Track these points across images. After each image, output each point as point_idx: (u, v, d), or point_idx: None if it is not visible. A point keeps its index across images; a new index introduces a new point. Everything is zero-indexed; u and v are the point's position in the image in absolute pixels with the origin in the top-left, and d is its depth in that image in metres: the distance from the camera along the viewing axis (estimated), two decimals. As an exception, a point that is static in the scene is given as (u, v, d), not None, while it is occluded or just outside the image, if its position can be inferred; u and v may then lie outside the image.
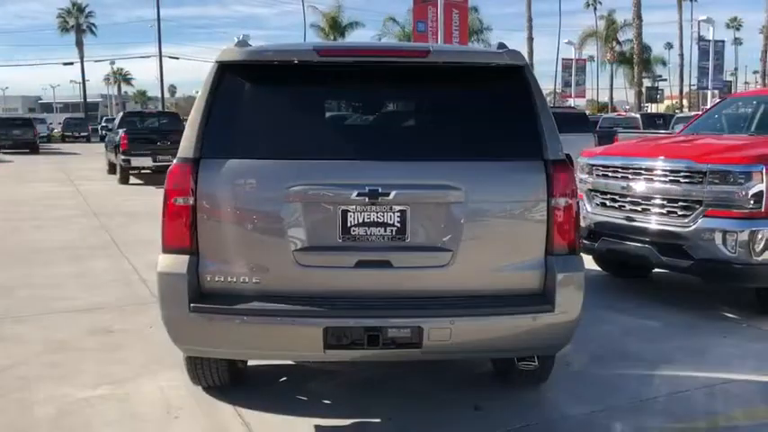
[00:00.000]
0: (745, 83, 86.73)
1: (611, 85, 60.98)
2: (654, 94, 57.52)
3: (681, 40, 55.73)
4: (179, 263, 3.24)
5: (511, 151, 3.30)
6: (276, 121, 3.36)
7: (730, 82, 57.42)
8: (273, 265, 3.24)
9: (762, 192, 5.41)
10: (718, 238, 5.50)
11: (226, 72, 3.33)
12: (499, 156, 3.29)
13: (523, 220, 3.29)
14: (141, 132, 18.19)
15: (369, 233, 3.21)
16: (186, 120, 3.40)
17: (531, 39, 41.16)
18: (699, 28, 60.95)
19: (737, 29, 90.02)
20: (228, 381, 4.06)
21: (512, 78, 3.34)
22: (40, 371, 4.56)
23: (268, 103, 3.39)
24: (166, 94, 48.72)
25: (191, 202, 3.23)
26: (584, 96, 42.78)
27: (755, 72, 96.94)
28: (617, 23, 58.14)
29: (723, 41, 35.19)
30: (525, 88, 3.33)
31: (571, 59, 40.60)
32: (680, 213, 5.72)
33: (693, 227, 5.60)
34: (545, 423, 3.79)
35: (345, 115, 3.38)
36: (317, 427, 3.73)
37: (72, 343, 5.12)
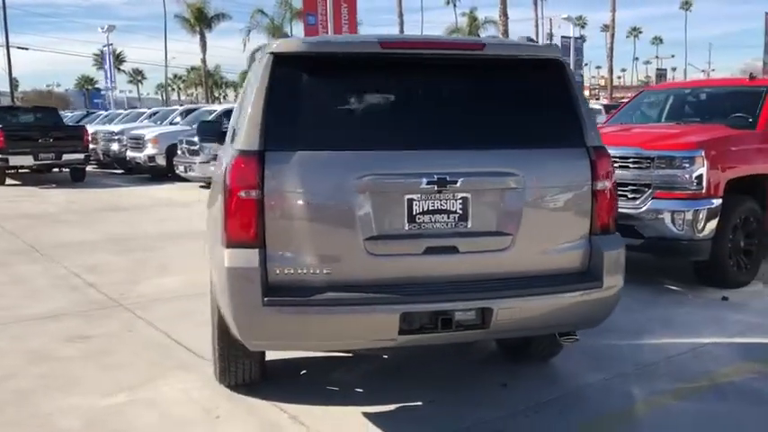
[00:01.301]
0: (591, 77, 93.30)
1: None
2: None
3: (537, 37, 58.79)
4: (250, 257, 3.18)
5: (558, 139, 3.51)
6: (340, 113, 3.38)
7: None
8: (344, 255, 3.26)
9: (702, 174, 5.99)
10: (666, 217, 6.04)
11: (283, 63, 3.30)
12: (548, 143, 3.50)
13: (571, 203, 3.52)
14: (18, 129, 16.89)
15: (433, 220, 3.31)
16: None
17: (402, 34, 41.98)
18: (551, 26, 64.88)
19: (582, 27, 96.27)
20: (258, 377, 4.02)
21: (554, 71, 3.56)
22: (34, 382, 4.28)
23: (330, 94, 3.40)
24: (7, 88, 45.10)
25: (258, 195, 3.19)
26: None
27: (598, 67, 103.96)
28: (479, 21, 60.48)
29: (582, 38, 37.80)
30: (567, 80, 3.56)
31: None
32: (630, 196, 6.21)
33: (644, 208, 6.11)
34: (572, 392, 4.06)
35: (406, 106, 3.43)
36: (365, 414, 3.78)
37: (52, 352, 4.81)
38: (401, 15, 42.18)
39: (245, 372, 3.94)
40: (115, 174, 19.64)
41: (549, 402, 3.93)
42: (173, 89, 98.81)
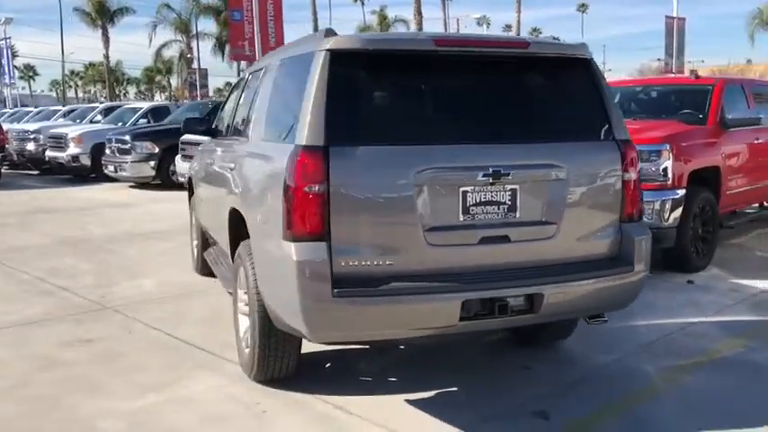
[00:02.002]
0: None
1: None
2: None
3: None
4: (318, 250, 3.23)
5: (591, 132, 3.74)
6: (397, 108, 3.47)
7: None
8: (405, 247, 3.36)
9: (668, 167, 6.43)
10: (636, 207, 6.43)
11: (340, 60, 3.36)
12: (583, 136, 3.72)
13: (605, 193, 3.75)
14: None
15: (485, 211, 3.47)
16: None
17: (316, 32, 41.89)
18: (458, 26, 66.24)
19: (487, 26, 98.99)
20: (293, 371, 4.05)
21: (586, 68, 3.78)
22: (53, 388, 4.14)
23: (387, 90, 3.48)
24: None
25: (324, 189, 3.23)
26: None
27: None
28: (389, 19, 61.08)
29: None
30: (596, 77, 3.79)
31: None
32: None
33: (615, 199, 6.48)
34: (593, 372, 4.32)
35: (458, 101, 3.55)
36: (408, 401, 3.89)
37: (57, 358, 4.65)
38: (315, 13, 42.07)
39: (283, 366, 3.97)
40: (31, 175, 18.72)
41: (577, 382, 4.16)
42: (70, 86, 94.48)
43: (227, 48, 56.68)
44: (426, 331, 3.49)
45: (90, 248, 8.38)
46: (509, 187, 3.48)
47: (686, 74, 29.31)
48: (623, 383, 4.16)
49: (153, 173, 14.62)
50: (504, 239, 3.50)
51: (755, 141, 7.80)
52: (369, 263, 3.31)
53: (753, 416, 3.67)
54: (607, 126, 3.76)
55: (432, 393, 3.99)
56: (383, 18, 60.85)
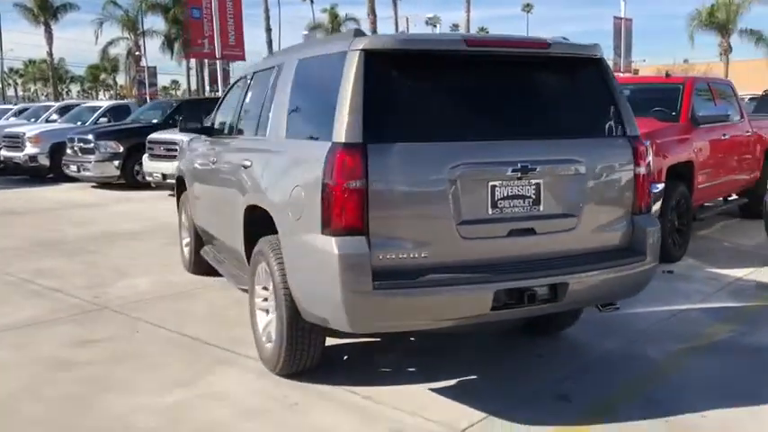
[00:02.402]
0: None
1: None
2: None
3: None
4: (359, 244, 3.33)
5: (605, 129, 3.94)
6: (429, 106, 3.59)
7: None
8: (439, 240, 3.49)
9: (650, 162, 6.70)
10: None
11: (374, 59, 3.46)
12: (599, 133, 3.92)
13: (619, 187, 3.95)
14: None
15: (512, 205, 3.63)
16: None
17: (269, 30, 41.62)
18: (408, 25, 66.57)
19: (434, 26, 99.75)
20: (317, 363, 4.14)
21: (599, 68, 3.98)
22: (76, 388, 4.13)
23: (420, 89, 3.60)
24: None
25: (363, 184, 3.34)
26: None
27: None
28: (340, 17, 61.01)
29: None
30: (608, 75, 3.99)
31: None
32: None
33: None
34: (601, 357, 4.53)
35: (487, 99, 3.70)
36: (431, 389, 4.02)
37: (70, 358, 4.62)
38: (267, 11, 41.72)
39: (309, 358, 4.05)
40: (-19, 175, 18.14)
41: (589, 367, 4.38)
42: (8, 84, 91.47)
43: (177, 45, 55.91)
44: (459, 321, 3.62)
45: (70, 249, 8.25)
46: (534, 181, 3.65)
47: (632, 73, 30.04)
48: (632, 367, 4.38)
49: (117, 172, 14.38)
50: (531, 232, 3.66)
51: (723, 137, 8.19)
52: (405, 256, 3.43)
53: (757, 394, 3.91)
54: (619, 122, 3.97)
55: (453, 382, 4.13)
56: (334, 17, 60.75)
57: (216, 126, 5.90)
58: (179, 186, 7.12)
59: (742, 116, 9.00)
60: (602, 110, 3.95)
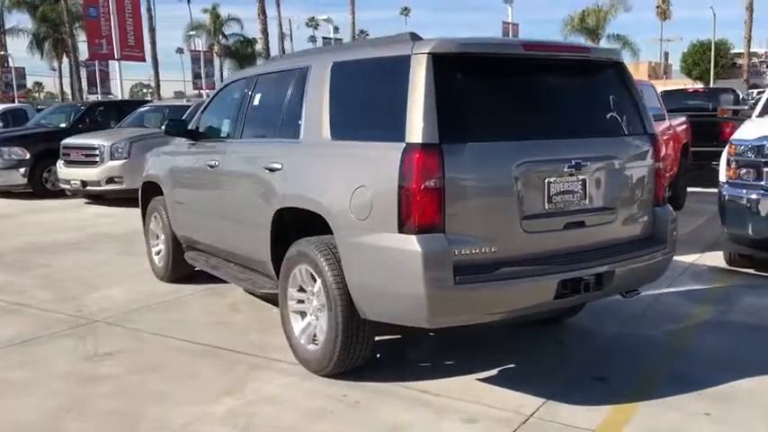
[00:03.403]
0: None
1: (222, 78, 62.51)
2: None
3: (281, 35, 59.78)
4: (439, 240, 3.45)
5: (631, 128, 4.26)
6: (493, 107, 3.76)
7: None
8: (507, 234, 3.67)
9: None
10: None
11: (441, 62, 3.59)
12: (627, 132, 4.23)
13: (643, 181, 4.27)
14: None
15: (564, 200, 3.86)
16: None
17: (152, 29, 40.23)
18: (291, 25, 66.06)
19: (316, 27, 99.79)
20: (366, 360, 4.20)
21: (623, 71, 4.29)
22: (119, 402, 3.99)
23: (483, 90, 3.75)
24: None
25: (440, 183, 3.46)
26: (214, 88, 43.38)
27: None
28: (222, 18, 59.83)
29: (341, 39, 39.44)
30: (630, 78, 4.32)
31: (199, 51, 40.88)
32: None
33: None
34: (613, 341, 4.87)
35: (541, 100, 3.91)
36: (478, 379, 4.19)
37: (92, 372, 4.44)
38: (150, 10, 40.37)
39: (360, 356, 4.11)
40: None
41: (606, 350, 4.73)
42: None
43: (47, 45, 52.72)
44: (525, 311, 3.82)
45: (11, 263, 7.76)
46: (581, 177, 3.91)
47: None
48: (647, 347, 4.74)
49: (24, 180, 13.52)
50: (581, 224, 3.93)
51: (663, 136, 8.87)
52: (477, 251, 3.58)
53: (759, 366, 4.35)
54: (641, 121, 4.30)
55: (495, 372, 4.32)
56: (216, 17, 59.47)
57: (206, 130, 5.78)
58: (146, 193, 6.89)
59: (664, 116, 9.77)
60: (627, 109, 4.26)
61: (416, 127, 3.51)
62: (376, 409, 3.83)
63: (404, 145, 3.53)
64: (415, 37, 3.79)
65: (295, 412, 3.82)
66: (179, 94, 49.38)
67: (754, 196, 6.18)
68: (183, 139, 6.04)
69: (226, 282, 6.31)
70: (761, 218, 6.10)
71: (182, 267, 6.48)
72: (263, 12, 36.77)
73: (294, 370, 4.37)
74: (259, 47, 62.50)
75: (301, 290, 4.39)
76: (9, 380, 4.36)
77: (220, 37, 59.88)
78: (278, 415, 3.79)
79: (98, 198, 12.92)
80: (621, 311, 5.45)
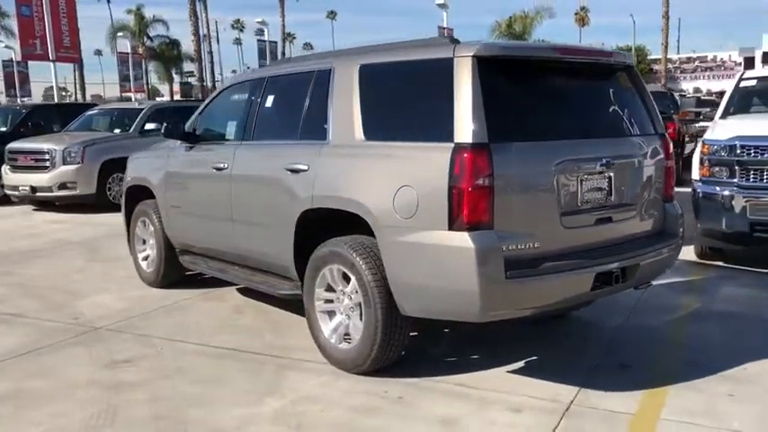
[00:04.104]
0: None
1: (148, 79, 60.95)
2: (188, 89, 59.62)
3: (209, 38, 58.73)
4: (491, 237, 3.58)
5: (647, 127, 4.50)
6: (533, 108, 3.91)
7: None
8: (548, 230, 3.83)
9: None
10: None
11: (485, 65, 3.71)
12: (643, 131, 4.46)
13: (656, 178, 4.51)
14: None
15: (594, 197, 4.06)
16: None
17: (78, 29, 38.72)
18: (217, 27, 65.04)
19: (241, 30, 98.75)
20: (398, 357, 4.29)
21: (635, 74, 4.53)
22: (161, 408, 3.93)
23: (523, 91, 3.90)
24: None
25: (490, 181, 3.59)
26: (143, 91, 42.31)
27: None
28: (147, 19, 58.35)
29: (276, 42, 39.15)
30: (641, 81, 4.56)
31: (127, 53, 39.73)
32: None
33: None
34: (618, 330, 5.10)
35: (573, 101, 4.09)
36: (508, 371, 4.34)
37: (116, 380, 4.34)
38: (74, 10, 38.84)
39: (396, 352, 4.19)
40: None
41: (615, 340, 4.93)
42: None
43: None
44: (564, 303, 3.98)
45: (-20, 272, 7.44)
46: (607, 175, 4.11)
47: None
48: (654, 336, 5.01)
49: (-35, 186, 12.91)
50: (609, 220, 4.13)
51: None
52: (522, 246, 3.72)
53: (758, 351, 4.67)
54: (652, 122, 4.55)
55: (521, 363, 4.47)
56: (141, 18, 57.93)
57: (207, 132, 5.72)
58: (130, 197, 6.75)
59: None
60: (641, 110, 4.50)
61: (466, 127, 3.62)
62: (420, 404, 3.91)
63: (453, 145, 3.64)
64: (454, 40, 3.90)
65: (342, 409, 3.86)
66: (126, 98, 47.57)
67: (726, 193, 6.57)
68: (176, 142, 5.96)
69: (221, 286, 6.32)
70: (734, 213, 6.50)
71: (174, 272, 6.39)
72: (194, 14, 36.08)
73: (323, 369, 4.40)
74: (185, 49, 61.36)
75: (329, 289, 4.43)
76: (31, 390, 4.22)
77: (145, 38, 58.31)
78: (327, 412, 3.82)
79: (46, 204, 12.50)
80: (616, 304, 5.68)
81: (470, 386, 4.12)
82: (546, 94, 4.05)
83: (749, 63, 40.57)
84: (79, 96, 44.20)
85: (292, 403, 3.95)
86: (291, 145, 4.75)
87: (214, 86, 59.79)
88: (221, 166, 5.29)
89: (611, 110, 4.34)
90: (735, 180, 6.55)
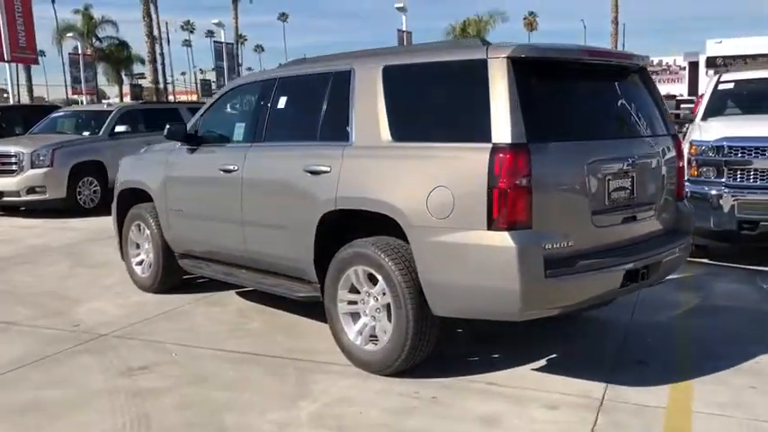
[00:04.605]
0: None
1: (96, 82, 59.47)
2: (138, 91, 58.49)
3: (160, 39, 57.66)
4: (530, 236, 3.62)
5: (661, 128, 4.61)
6: (565, 108, 3.98)
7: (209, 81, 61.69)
8: (581, 229, 3.89)
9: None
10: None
11: (519, 66, 3.75)
12: (658, 132, 4.58)
13: (670, 178, 4.62)
14: None
15: (618, 196, 4.14)
16: None
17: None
18: (167, 29, 64.10)
19: (191, 32, 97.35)
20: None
21: (648, 76, 4.64)
22: (193, 414, 3.86)
23: (556, 92, 3.96)
24: None
25: (529, 181, 3.63)
26: (94, 93, 41.22)
27: (184, 73, 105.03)
28: (95, 19, 57.02)
29: (232, 44, 38.60)
30: (653, 81, 4.68)
31: (78, 54, 38.68)
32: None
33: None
34: (628, 329, 5.21)
35: (601, 102, 4.19)
36: (533, 369, 4.39)
37: (138, 387, 4.24)
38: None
39: (425, 351, 4.20)
40: None
41: (628, 337, 5.03)
42: None
43: None
44: (596, 300, 4.05)
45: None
46: (631, 174, 4.20)
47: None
48: (663, 332, 5.13)
49: None
50: (634, 219, 4.23)
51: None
52: (558, 245, 3.77)
53: (763, 343, 4.84)
54: (664, 122, 4.67)
55: (543, 362, 4.53)
56: (89, 18, 56.56)
57: (211, 134, 5.63)
58: (122, 201, 6.61)
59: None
60: (655, 111, 4.62)
61: (504, 128, 3.66)
62: (456, 403, 3.93)
63: (491, 145, 3.67)
64: (484, 42, 3.93)
65: (379, 410, 3.85)
66: (73, 101, 46.24)
67: (714, 192, 6.79)
68: (174, 144, 5.86)
69: (218, 290, 6.27)
70: (722, 212, 6.71)
71: (172, 277, 6.28)
72: (148, 14, 35.42)
73: (346, 371, 4.38)
74: (135, 50, 60.18)
75: (353, 291, 4.42)
76: (51, 400, 4.09)
77: (93, 39, 56.96)
78: (365, 414, 3.81)
79: (11, 210, 12.12)
80: (617, 302, 5.78)
81: (501, 385, 4.15)
82: (575, 95, 4.13)
83: (693, 67, 41.75)
84: (25, 99, 42.89)
85: (327, 406, 3.92)
86: (310, 146, 4.71)
87: (165, 89, 58.91)
88: (230, 168, 5.22)
89: (631, 110, 4.43)
90: (723, 180, 6.77)
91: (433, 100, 4.16)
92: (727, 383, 4.14)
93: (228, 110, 5.68)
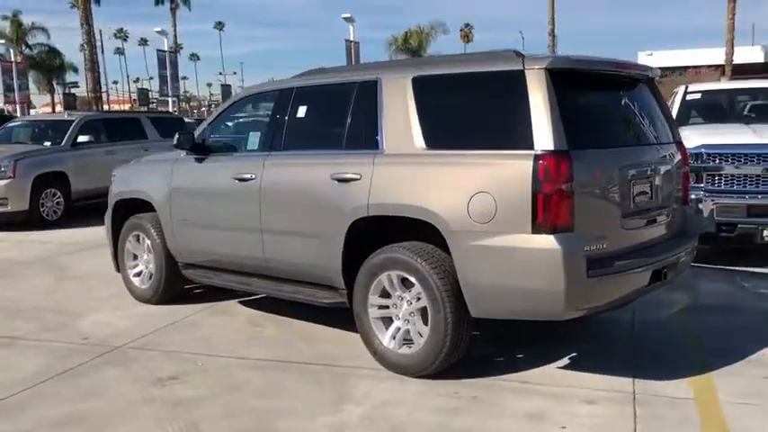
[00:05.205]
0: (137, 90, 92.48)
1: (28, 90, 57.39)
2: (72, 101, 56.79)
3: (93, 47, 56.17)
4: (573, 238, 3.81)
5: (670, 135, 4.88)
6: (598, 116, 4.21)
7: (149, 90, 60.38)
8: (613, 231, 4.10)
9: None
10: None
11: (556, 77, 3.94)
12: (668, 139, 4.84)
13: (678, 182, 4.89)
14: None
15: (641, 200, 4.38)
16: None
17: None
18: (101, 36, 62.40)
19: (125, 39, 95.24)
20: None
21: (655, 85, 4.91)
22: (237, 421, 3.88)
23: (588, 102, 4.17)
24: None
25: (572, 187, 3.81)
26: (27, 101, 39.73)
27: (115, 82, 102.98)
28: (25, 26, 55.19)
29: (176, 52, 37.87)
30: (659, 91, 4.95)
31: (11, 62, 37.27)
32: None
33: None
34: (633, 326, 5.45)
35: (626, 110, 4.41)
36: (558, 368, 4.57)
37: (175, 397, 4.23)
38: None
39: (461, 351, 4.32)
40: None
41: (638, 334, 5.28)
42: None
43: None
44: (627, 297, 4.24)
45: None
46: (651, 179, 4.45)
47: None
48: (669, 328, 5.41)
49: None
50: (654, 221, 4.47)
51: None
52: (595, 247, 3.96)
53: (762, 337, 5.15)
54: (673, 130, 4.95)
55: (567, 360, 4.71)
56: (19, 25, 54.69)
57: (222, 144, 5.64)
58: (118, 211, 6.52)
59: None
60: (664, 119, 4.89)
61: (546, 135, 3.83)
62: (498, 402, 4.06)
63: (534, 152, 3.84)
64: (519, 54, 4.11)
65: (426, 411, 3.95)
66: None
67: (694, 197, 7.14)
68: (178, 153, 5.83)
69: (220, 300, 6.27)
70: (702, 215, 7.08)
71: (175, 287, 6.22)
72: (86, 21, 34.45)
73: (380, 375, 4.46)
74: (68, 58, 58.45)
75: (384, 296, 4.50)
76: (89, 411, 4.03)
77: (23, 47, 55.05)
78: (412, 415, 3.90)
79: (-34, 223, 11.65)
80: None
81: (535, 383, 4.30)
82: (602, 104, 4.37)
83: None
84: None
85: (374, 408, 3.99)
86: (336, 155, 4.77)
87: (100, 97, 57.20)
88: (247, 176, 5.23)
89: (647, 118, 4.68)
90: (702, 185, 7.14)
91: (468, 109, 4.30)
92: (743, 374, 4.40)
93: (240, 119, 5.68)
